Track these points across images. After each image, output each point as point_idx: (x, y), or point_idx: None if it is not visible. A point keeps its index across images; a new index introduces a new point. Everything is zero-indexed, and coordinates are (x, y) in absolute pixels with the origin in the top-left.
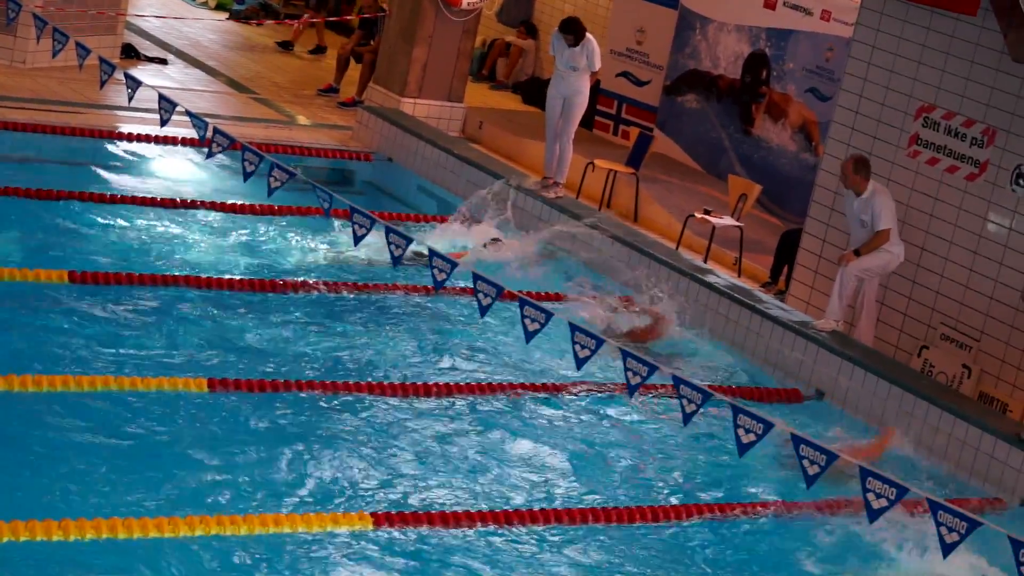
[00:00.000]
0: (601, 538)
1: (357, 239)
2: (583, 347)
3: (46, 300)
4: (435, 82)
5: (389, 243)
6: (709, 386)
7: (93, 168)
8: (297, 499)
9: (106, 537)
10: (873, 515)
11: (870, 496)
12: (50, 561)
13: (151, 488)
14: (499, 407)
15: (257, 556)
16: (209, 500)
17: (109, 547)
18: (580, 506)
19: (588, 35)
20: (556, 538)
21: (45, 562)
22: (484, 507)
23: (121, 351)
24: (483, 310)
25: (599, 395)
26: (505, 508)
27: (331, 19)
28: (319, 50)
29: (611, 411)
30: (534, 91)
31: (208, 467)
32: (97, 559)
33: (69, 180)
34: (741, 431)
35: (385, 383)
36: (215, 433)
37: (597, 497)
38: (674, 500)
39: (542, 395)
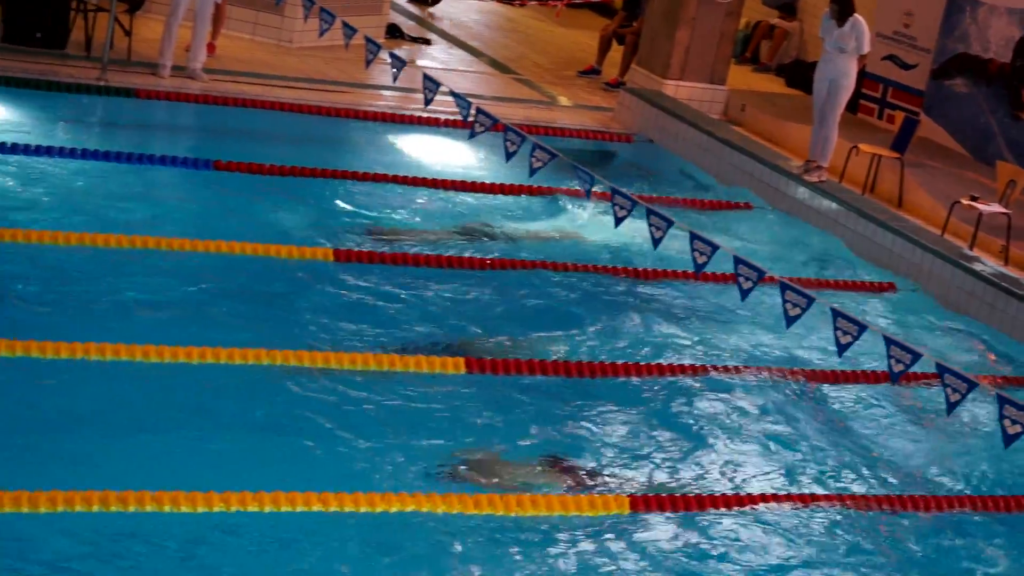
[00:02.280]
0: (868, 524)
1: (618, 221)
2: (845, 333)
3: (311, 277)
4: (697, 64)
5: (650, 225)
6: (975, 376)
7: (356, 147)
8: (552, 481)
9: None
10: None
11: None
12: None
13: (409, 463)
14: (754, 390)
15: (516, 538)
16: (468, 479)
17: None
18: (837, 492)
19: (857, 15)
20: (810, 521)
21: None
22: (741, 490)
23: (380, 329)
24: (744, 294)
25: (861, 383)
26: (763, 492)
27: (592, 0)
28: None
29: (870, 398)
30: (798, 74)
31: (463, 446)
32: (393, 534)
33: (333, 159)
34: (1007, 422)
35: (641, 364)
36: (470, 412)
37: (857, 483)
38: (946, 490)
39: (797, 380)
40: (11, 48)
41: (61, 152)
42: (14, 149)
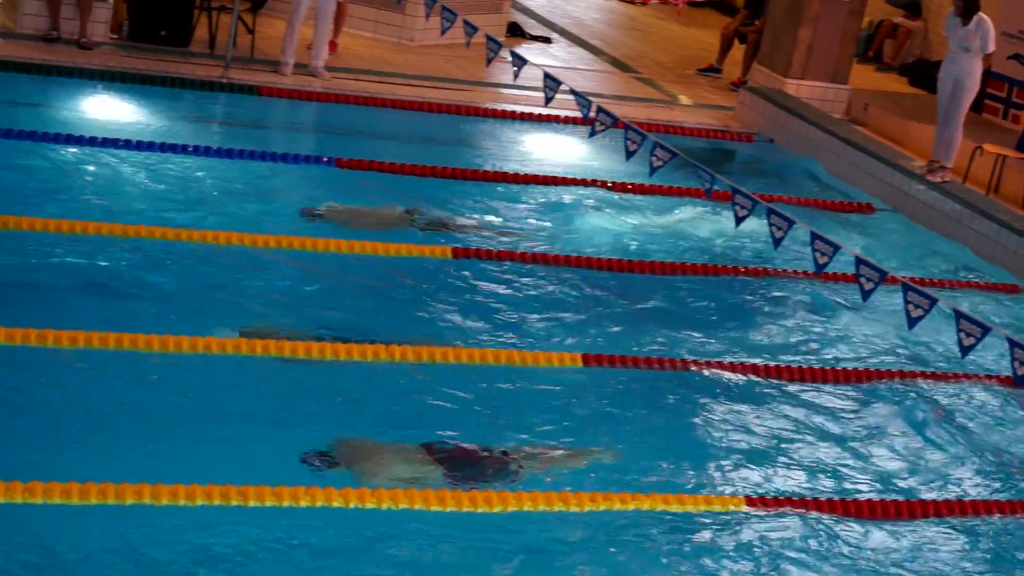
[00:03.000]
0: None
1: (738, 220)
2: (968, 335)
3: (431, 275)
4: (820, 63)
5: (771, 225)
6: None
7: (476, 145)
8: (670, 478)
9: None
10: None
11: None
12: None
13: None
14: (875, 393)
15: (638, 532)
16: (591, 474)
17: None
18: (956, 497)
19: (982, 14)
20: (943, 530)
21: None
22: (858, 495)
23: (499, 325)
24: (866, 294)
25: (981, 384)
26: (888, 498)
27: None
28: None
29: (992, 400)
30: (921, 73)
31: (580, 441)
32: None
33: (453, 156)
34: None
35: (759, 364)
36: (587, 407)
37: (978, 488)
38: None
39: (916, 382)
40: (136, 46)
41: (184, 149)
42: (139, 146)
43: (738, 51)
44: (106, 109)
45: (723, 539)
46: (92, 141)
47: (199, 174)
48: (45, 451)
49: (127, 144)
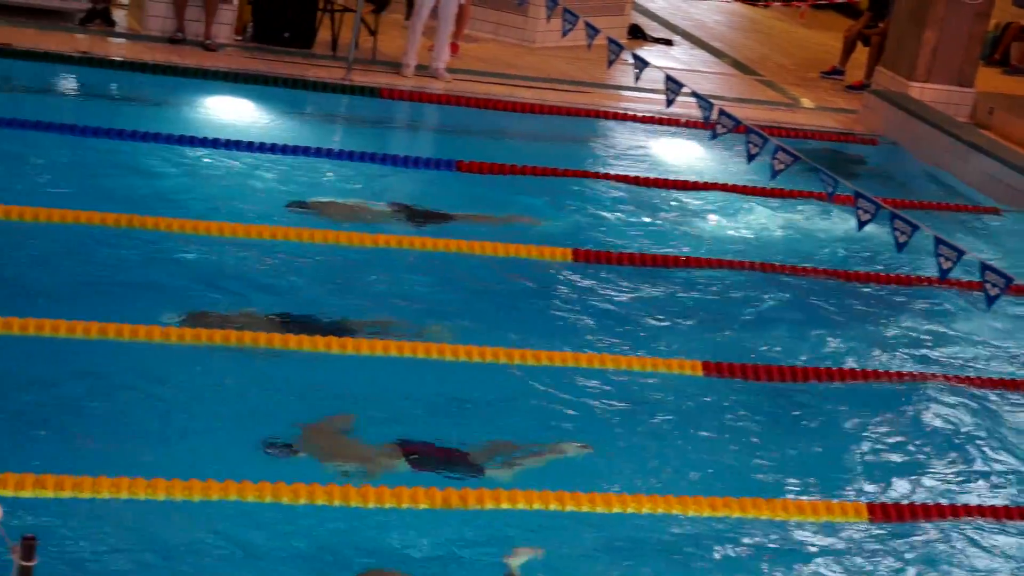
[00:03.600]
0: None
1: (861, 224)
2: None
3: (550, 276)
4: (945, 66)
5: (894, 230)
6: None
7: (597, 147)
8: (792, 485)
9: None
10: None
11: None
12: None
13: (654, 469)
14: (1006, 400)
15: (754, 541)
16: (696, 481)
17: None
18: None
19: None
20: None
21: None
22: (987, 503)
23: (619, 329)
24: (990, 301)
25: None
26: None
27: (837, 1)
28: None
29: None
30: None
31: (700, 448)
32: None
33: (574, 159)
34: None
35: (880, 371)
36: (706, 414)
37: None
38: None
39: None
40: (260, 48)
41: (306, 151)
42: (261, 147)
43: (861, 54)
44: (229, 110)
45: (847, 548)
46: (215, 143)
47: (320, 176)
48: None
49: (249, 146)
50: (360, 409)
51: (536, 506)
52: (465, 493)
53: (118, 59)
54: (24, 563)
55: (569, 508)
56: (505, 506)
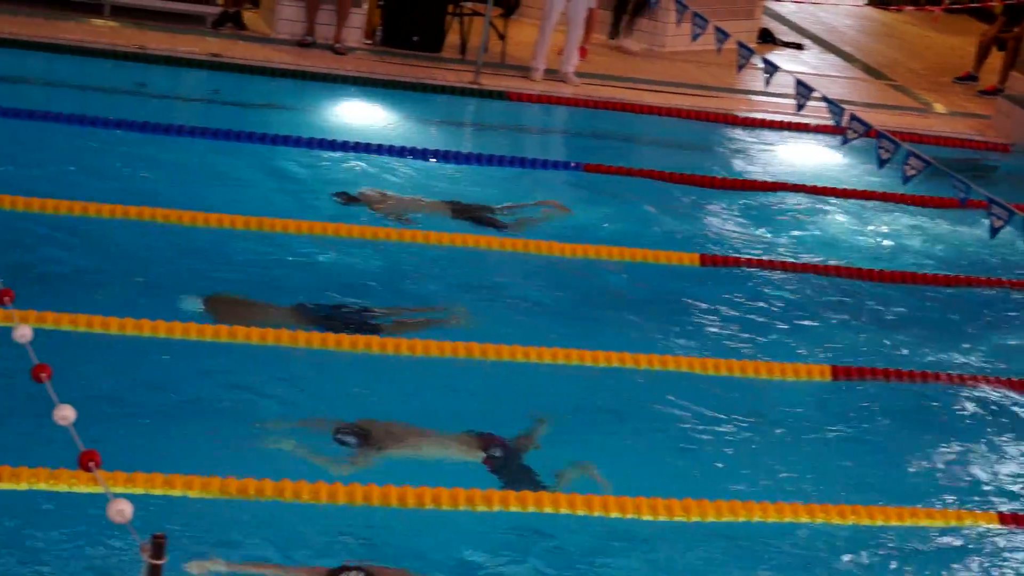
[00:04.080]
0: None
1: (994, 231)
2: None
3: (676, 281)
4: None
5: None
6: None
7: (724, 152)
8: (922, 491)
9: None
10: None
11: None
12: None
13: (783, 474)
14: None
15: (886, 548)
16: (824, 487)
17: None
18: None
19: None
20: None
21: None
22: None
23: (744, 335)
24: None
25: None
26: None
27: (973, 4)
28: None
29: None
30: None
31: (827, 454)
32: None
33: (700, 163)
34: None
35: (1014, 379)
36: (835, 420)
37: None
38: None
39: None
40: (389, 51)
41: (435, 154)
42: (390, 151)
43: (996, 58)
44: (358, 114)
45: (978, 553)
46: (344, 146)
47: (447, 178)
48: None
49: (378, 149)
50: (490, 407)
51: (661, 516)
52: (606, 500)
53: (248, 62)
54: (153, 561)
55: (694, 518)
56: (631, 515)
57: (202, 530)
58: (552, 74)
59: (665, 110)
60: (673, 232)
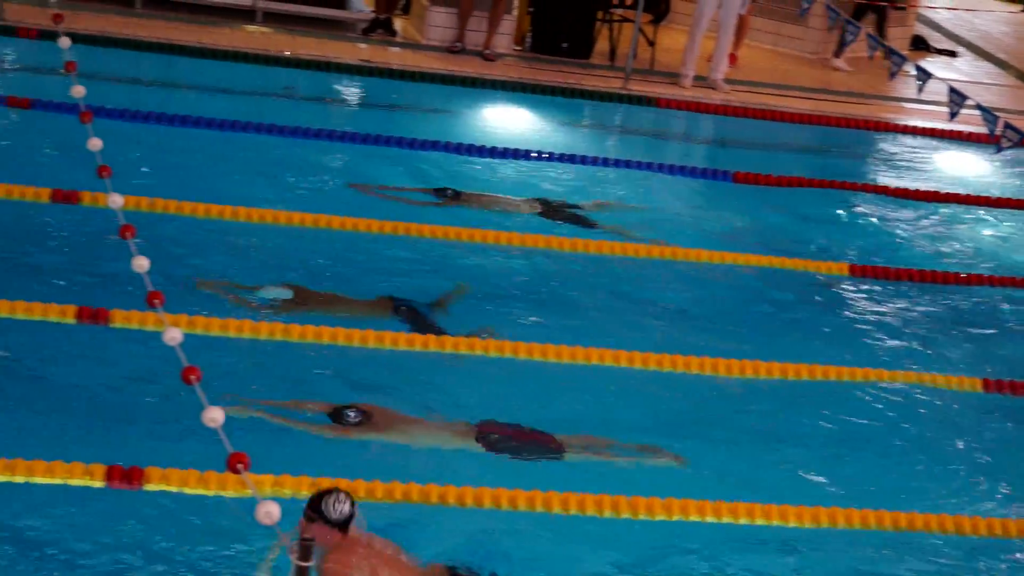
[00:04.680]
0: None
1: None
2: None
3: (826, 290)
4: None
5: None
6: None
7: (876, 160)
8: None
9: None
10: None
11: None
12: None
13: (933, 484)
14: None
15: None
16: (974, 499)
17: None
18: None
19: None
20: None
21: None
22: None
23: (893, 345)
24: None
25: None
26: None
27: None
28: None
29: None
30: None
31: (979, 466)
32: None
33: (851, 172)
34: None
35: None
36: (987, 433)
37: None
38: None
39: None
40: (538, 57)
41: (583, 160)
42: (539, 156)
43: None
44: (507, 119)
45: None
46: (492, 151)
47: (594, 184)
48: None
49: (527, 155)
50: (614, 415)
51: (807, 523)
52: (753, 507)
53: (398, 68)
54: (301, 563)
55: (841, 524)
56: (776, 522)
57: None
58: (702, 81)
59: (815, 117)
60: (824, 240)
